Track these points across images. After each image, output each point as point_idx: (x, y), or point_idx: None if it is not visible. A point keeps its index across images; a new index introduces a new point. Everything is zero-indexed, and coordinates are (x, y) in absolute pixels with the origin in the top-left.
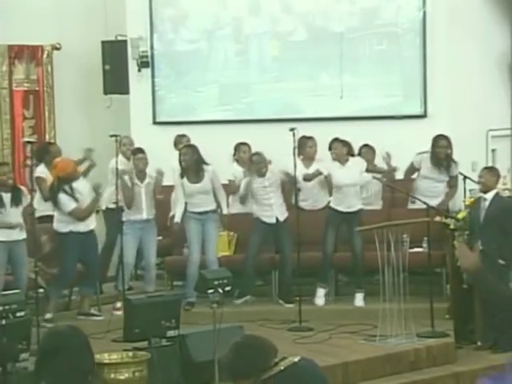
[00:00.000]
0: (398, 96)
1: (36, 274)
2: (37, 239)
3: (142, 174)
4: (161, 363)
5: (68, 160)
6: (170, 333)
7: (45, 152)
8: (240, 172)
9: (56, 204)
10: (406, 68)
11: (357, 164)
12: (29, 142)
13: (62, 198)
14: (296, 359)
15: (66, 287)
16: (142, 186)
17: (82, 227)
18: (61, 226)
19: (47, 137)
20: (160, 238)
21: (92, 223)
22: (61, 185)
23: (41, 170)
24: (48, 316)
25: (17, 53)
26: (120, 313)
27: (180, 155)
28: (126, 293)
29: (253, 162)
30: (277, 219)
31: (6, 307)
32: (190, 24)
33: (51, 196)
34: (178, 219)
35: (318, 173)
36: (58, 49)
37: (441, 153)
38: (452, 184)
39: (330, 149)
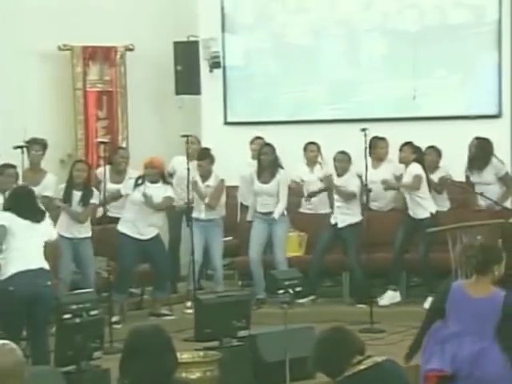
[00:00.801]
0: (472, 96)
1: (109, 273)
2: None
3: (206, 174)
4: (232, 363)
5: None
6: (241, 333)
7: (113, 155)
8: (305, 172)
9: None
10: (480, 68)
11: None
12: (102, 143)
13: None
14: (380, 359)
15: (126, 289)
16: (202, 186)
17: (138, 235)
18: (121, 224)
19: (120, 137)
20: (230, 238)
21: (153, 231)
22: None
23: (100, 171)
24: (115, 319)
25: (91, 54)
26: (191, 311)
27: (259, 154)
28: (197, 292)
29: (335, 160)
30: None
31: (80, 306)
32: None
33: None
34: (250, 217)
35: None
36: (131, 50)
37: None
38: (508, 184)
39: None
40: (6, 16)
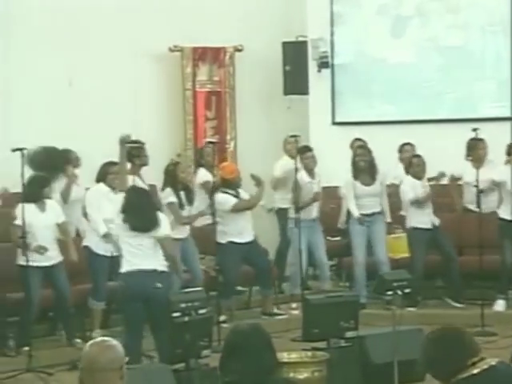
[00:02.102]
0: None
1: (217, 272)
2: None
3: (311, 173)
4: (340, 364)
5: (234, 166)
6: (349, 334)
7: (200, 157)
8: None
9: (213, 204)
10: None
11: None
12: (211, 143)
13: (220, 196)
14: (494, 362)
15: (232, 294)
16: (314, 183)
17: (239, 239)
18: (221, 237)
19: (228, 137)
20: (338, 238)
21: (249, 236)
22: (223, 186)
23: (201, 173)
24: (222, 318)
25: (200, 55)
26: (296, 312)
27: (355, 156)
28: (305, 293)
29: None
30: (433, 225)
31: (189, 304)
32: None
33: (210, 196)
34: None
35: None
36: (240, 50)
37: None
38: None
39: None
40: (121, 18)
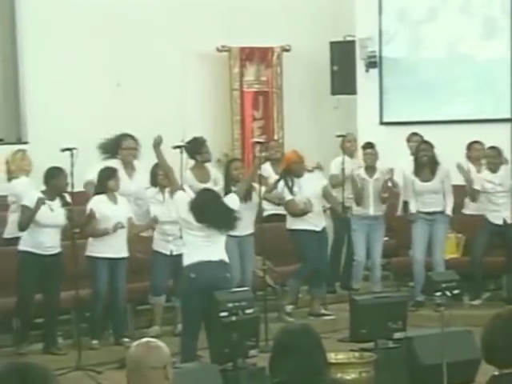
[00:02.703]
0: None
1: (264, 272)
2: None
3: (370, 169)
4: (387, 365)
5: (298, 154)
6: (397, 335)
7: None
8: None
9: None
10: None
11: None
12: (258, 143)
13: (280, 185)
14: None
15: (301, 284)
16: (370, 181)
17: (312, 226)
18: (292, 223)
19: (275, 137)
20: (386, 238)
21: (321, 222)
22: (284, 174)
23: (264, 168)
24: (288, 309)
25: (248, 55)
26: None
27: (417, 151)
28: (353, 293)
29: (486, 156)
30: (504, 221)
31: (236, 304)
32: None
33: (275, 184)
34: (413, 209)
35: None
36: (287, 50)
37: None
38: None
39: None
40: (170, 18)
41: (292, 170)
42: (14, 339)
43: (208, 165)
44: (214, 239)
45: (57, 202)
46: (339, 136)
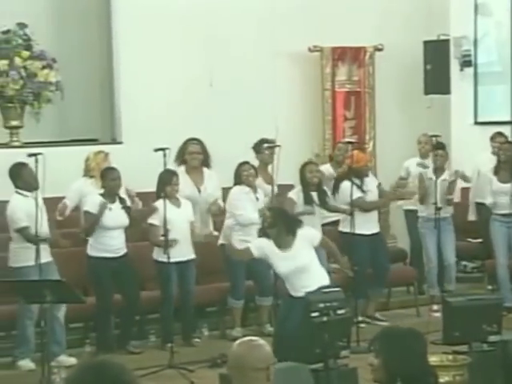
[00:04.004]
0: None
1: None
2: None
3: (439, 170)
4: (482, 368)
5: (364, 155)
6: (492, 338)
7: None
8: None
9: (337, 190)
10: None
11: None
12: (349, 143)
13: (345, 184)
14: None
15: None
16: (437, 182)
17: (366, 231)
18: (345, 225)
19: (367, 137)
20: (480, 240)
21: (375, 227)
22: (349, 174)
23: (325, 168)
24: (360, 318)
25: (340, 55)
26: (438, 315)
27: (499, 150)
28: (446, 295)
29: None
30: None
31: (328, 304)
32: None
33: (335, 184)
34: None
35: None
36: (380, 50)
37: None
38: None
39: None
40: (262, 18)
41: (362, 171)
42: (97, 343)
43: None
44: None
45: (117, 204)
46: (432, 136)
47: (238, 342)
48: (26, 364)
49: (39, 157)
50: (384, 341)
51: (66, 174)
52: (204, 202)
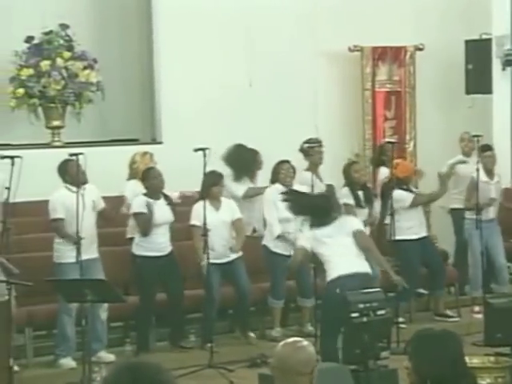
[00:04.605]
0: None
1: (398, 273)
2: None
3: (490, 172)
4: None
5: (409, 164)
6: None
7: (381, 154)
8: None
9: (389, 199)
10: None
11: None
12: (389, 143)
13: (398, 192)
14: None
15: (411, 294)
16: (491, 184)
17: (414, 235)
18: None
19: (407, 137)
20: None
21: (423, 231)
22: (398, 184)
23: (382, 172)
24: (401, 319)
25: (380, 54)
26: (480, 316)
27: None
28: (488, 296)
29: None
30: None
31: (368, 305)
32: None
33: (383, 193)
34: None
35: None
36: (420, 49)
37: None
38: None
39: None
40: (302, 18)
41: (406, 181)
42: (138, 342)
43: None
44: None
45: (161, 201)
46: (474, 136)
47: (282, 343)
48: (67, 362)
49: (80, 157)
50: (415, 343)
51: (106, 173)
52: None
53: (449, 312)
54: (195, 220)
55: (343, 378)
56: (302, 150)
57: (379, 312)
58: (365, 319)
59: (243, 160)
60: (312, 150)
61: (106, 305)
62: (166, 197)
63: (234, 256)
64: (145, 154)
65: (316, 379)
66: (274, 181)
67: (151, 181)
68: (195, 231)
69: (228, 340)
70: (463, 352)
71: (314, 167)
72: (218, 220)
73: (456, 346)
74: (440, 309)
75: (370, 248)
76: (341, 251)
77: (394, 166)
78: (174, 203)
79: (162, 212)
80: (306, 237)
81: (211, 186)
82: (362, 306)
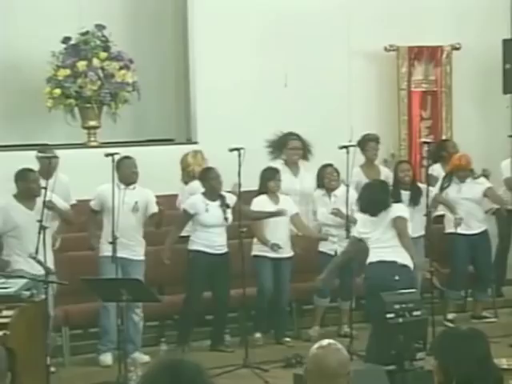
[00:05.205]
0: None
1: (431, 274)
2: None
3: None
4: None
5: (467, 160)
6: None
7: (441, 149)
8: None
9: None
10: None
11: None
12: (425, 143)
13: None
14: None
15: (460, 289)
16: None
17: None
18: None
19: (443, 137)
20: None
21: (476, 226)
22: (449, 175)
23: (434, 168)
24: (450, 316)
25: (416, 54)
26: None
27: None
28: None
29: None
30: None
31: (403, 306)
32: None
33: (442, 186)
34: None
35: None
36: (457, 49)
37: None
38: None
39: None
40: (338, 18)
41: (457, 174)
42: (178, 337)
43: (378, 163)
44: (385, 238)
45: (216, 202)
46: (510, 136)
47: (317, 345)
48: (106, 359)
49: (116, 156)
50: (441, 342)
51: (141, 173)
52: (300, 195)
53: (486, 313)
54: (257, 208)
55: (379, 378)
56: (359, 144)
57: (415, 313)
58: (400, 320)
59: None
60: (368, 146)
61: (139, 309)
62: (223, 198)
63: (286, 254)
64: (195, 153)
65: (352, 380)
66: (319, 185)
67: (210, 181)
68: (257, 223)
69: (263, 340)
70: (490, 351)
71: (369, 163)
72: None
73: (483, 344)
74: (478, 311)
75: (401, 234)
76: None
77: (457, 158)
78: (229, 206)
79: (213, 214)
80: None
81: (268, 181)
82: (397, 306)
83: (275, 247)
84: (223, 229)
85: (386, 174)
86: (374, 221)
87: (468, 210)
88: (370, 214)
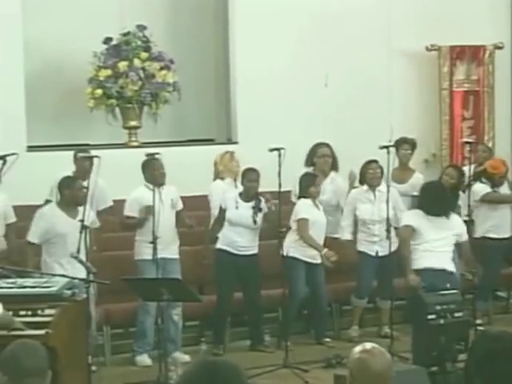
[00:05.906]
0: None
1: (473, 275)
2: None
3: None
4: None
5: (501, 161)
6: None
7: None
8: None
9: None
10: None
11: None
12: (467, 143)
13: (476, 185)
14: None
15: (489, 296)
16: None
17: (495, 235)
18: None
19: (485, 137)
20: None
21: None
22: (481, 176)
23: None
24: (479, 321)
25: (458, 53)
26: None
27: None
28: None
29: None
30: None
31: (445, 307)
32: None
33: (467, 184)
34: None
35: None
36: (500, 48)
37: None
38: None
39: None
40: (379, 18)
41: (493, 179)
42: (213, 337)
43: (412, 165)
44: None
45: (248, 204)
46: None
47: (360, 348)
48: (143, 360)
49: (157, 156)
50: (474, 343)
51: (182, 173)
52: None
53: None
54: (302, 213)
55: (420, 379)
56: (395, 146)
57: (456, 314)
58: (442, 321)
59: None
60: (401, 148)
61: (179, 308)
62: (258, 202)
63: (319, 260)
64: (225, 153)
65: (393, 382)
66: (361, 181)
67: (245, 183)
68: (304, 224)
69: (303, 340)
70: None
71: (402, 165)
72: (316, 217)
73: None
74: None
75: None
76: (436, 244)
77: (498, 165)
78: (261, 210)
79: (240, 214)
80: (415, 213)
81: (308, 187)
82: (438, 307)
83: (327, 260)
84: (249, 231)
85: (417, 179)
86: (437, 223)
87: (502, 214)
88: (437, 214)
